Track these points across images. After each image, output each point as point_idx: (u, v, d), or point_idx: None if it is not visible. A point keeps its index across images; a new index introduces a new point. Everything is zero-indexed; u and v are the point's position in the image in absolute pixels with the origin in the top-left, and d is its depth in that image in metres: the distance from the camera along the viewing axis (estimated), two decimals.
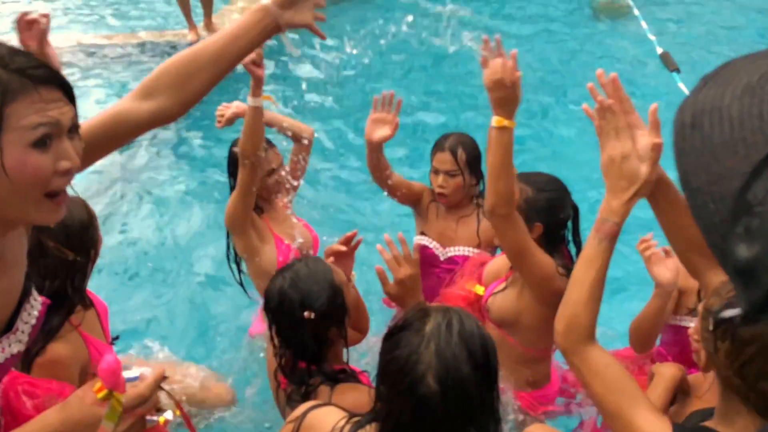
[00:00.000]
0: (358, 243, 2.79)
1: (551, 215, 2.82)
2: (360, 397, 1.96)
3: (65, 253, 2.33)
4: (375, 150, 3.42)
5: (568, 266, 2.83)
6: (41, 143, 1.36)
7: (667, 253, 2.67)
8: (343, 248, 2.71)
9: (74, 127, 1.45)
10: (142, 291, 4.68)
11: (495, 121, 2.61)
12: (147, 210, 5.59)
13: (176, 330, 4.28)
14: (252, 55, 3.25)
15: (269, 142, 3.51)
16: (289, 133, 3.57)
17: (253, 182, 3.32)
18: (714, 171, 0.78)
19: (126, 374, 1.52)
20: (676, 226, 1.98)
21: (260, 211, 3.59)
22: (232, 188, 3.48)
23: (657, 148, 1.81)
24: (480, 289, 3.35)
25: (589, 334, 1.83)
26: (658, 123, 1.86)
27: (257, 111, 3.30)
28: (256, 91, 3.29)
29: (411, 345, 1.62)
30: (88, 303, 2.57)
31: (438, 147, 3.48)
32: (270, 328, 2.40)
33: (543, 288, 2.83)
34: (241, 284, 3.72)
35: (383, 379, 1.70)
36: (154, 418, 1.55)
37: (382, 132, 3.35)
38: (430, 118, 7.10)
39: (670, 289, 2.75)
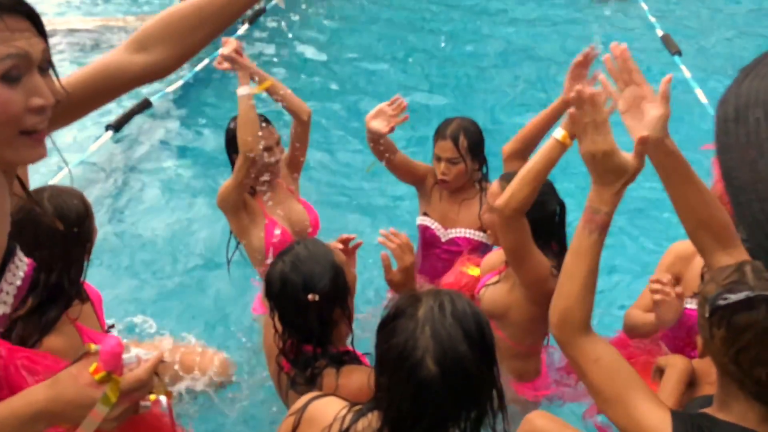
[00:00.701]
0: (357, 245, 2.74)
1: (535, 211, 2.78)
2: (365, 378, 1.92)
3: (58, 237, 2.28)
4: (370, 134, 3.42)
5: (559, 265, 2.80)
6: (9, 77, 1.25)
7: (679, 296, 2.59)
8: (340, 246, 2.67)
9: (46, 63, 1.33)
10: (140, 277, 4.64)
11: (560, 135, 2.51)
12: (147, 196, 5.50)
13: (174, 313, 4.23)
14: (232, 46, 3.30)
15: (266, 120, 3.44)
16: (285, 105, 3.53)
17: (247, 173, 3.31)
18: (760, 168, 0.75)
19: (125, 357, 1.42)
20: (687, 203, 1.94)
21: (253, 192, 3.53)
22: (232, 164, 3.48)
23: (643, 142, 1.75)
24: (475, 271, 3.35)
25: (583, 325, 1.80)
26: (668, 94, 1.82)
27: (247, 100, 3.28)
28: (244, 80, 3.30)
29: (406, 331, 1.61)
30: (84, 296, 2.54)
31: (439, 134, 3.43)
32: (272, 314, 2.35)
33: (535, 288, 2.82)
34: (228, 263, 3.69)
35: (382, 369, 1.68)
36: (147, 403, 1.46)
37: (378, 124, 3.33)
38: (431, 100, 7.08)
39: (669, 325, 2.72)
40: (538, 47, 8.42)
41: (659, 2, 9.83)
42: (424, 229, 3.63)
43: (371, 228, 5.00)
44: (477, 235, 3.50)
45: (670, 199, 1.95)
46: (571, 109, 1.73)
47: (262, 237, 3.50)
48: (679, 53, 7.64)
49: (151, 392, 1.45)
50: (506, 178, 2.85)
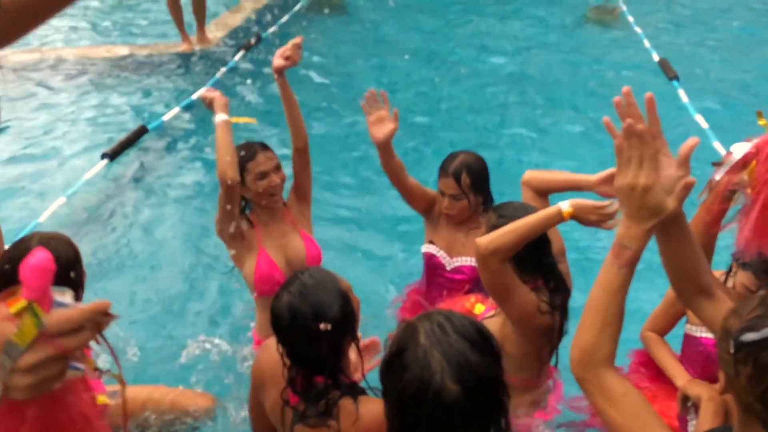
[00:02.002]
0: None
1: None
2: (382, 410, 1.84)
3: None
4: (384, 148, 3.38)
5: (551, 300, 2.82)
6: None
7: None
8: None
9: None
10: (135, 305, 4.56)
11: (566, 209, 2.59)
12: (143, 225, 5.41)
13: (166, 345, 4.15)
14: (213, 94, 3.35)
15: (263, 145, 3.41)
16: (288, 116, 3.50)
17: (229, 201, 3.25)
18: None
19: (57, 297, 1.06)
20: (678, 254, 1.89)
21: (249, 223, 3.46)
22: None
23: (688, 188, 1.69)
24: (480, 308, 3.31)
25: (607, 362, 1.74)
26: (688, 158, 1.73)
27: (224, 127, 3.26)
28: (220, 109, 3.31)
29: (417, 361, 1.59)
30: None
31: (443, 170, 3.44)
32: (279, 347, 2.27)
33: (522, 325, 2.82)
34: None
35: (402, 408, 1.63)
36: (80, 366, 1.09)
37: (385, 129, 3.34)
38: (427, 121, 7.09)
39: None
40: (532, 71, 8.44)
41: (652, 27, 9.87)
42: (430, 257, 3.62)
43: (372, 259, 4.96)
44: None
45: (660, 248, 1.89)
46: (618, 140, 1.68)
47: (253, 268, 3.44)
48: (677, 78, 7.62)
49: (87, 357, 1.11)
50: (495, 210, 2.90)
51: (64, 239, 2.38)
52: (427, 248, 3.64)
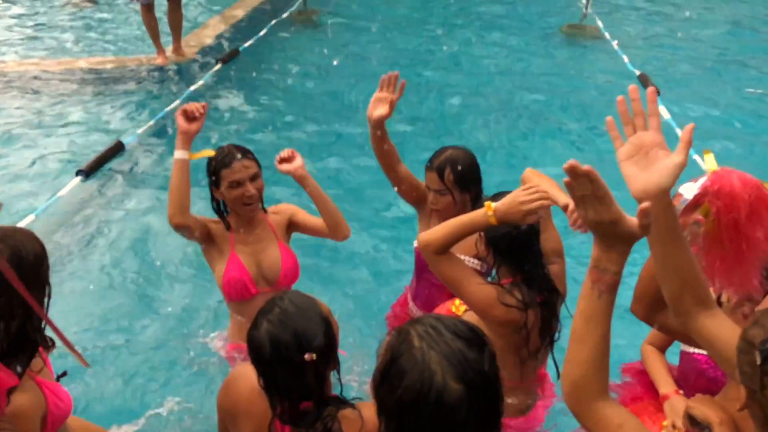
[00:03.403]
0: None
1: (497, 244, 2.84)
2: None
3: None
4: (375, 128, 3.36)
5: (524, 297, 2.80)
6: None
7: None
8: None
9: None
10: (109, 323, 4.44)
11: (490, 212, 2.60)
12: (118, 240, 5.27)
13: (140, 363, 4.06)
14: (193, 106, 3.19)
15: (243, 151, 3.26)
16: (320, 210, 3.39)
17: (183, 235, 3.30)
18: None
19: None
20: (673, 262, 1.80)
21: (228, 226, 3.37)
22: (212, 198, 3.35)
23: (645, 213, 1.56)
24: (463, 309, 3.25)
25: (600, 393, 1.65)
26: (689, 141, 1.66)
27: (179, 166, 3.20)
28: (181, 144, 3.20)
29: (416, 365, 1.51)
30: (50, 343, 2.34)
31: (428, 164, 3.38)
32: (260, 380, 2.12)
33: (484, 317, 2.79)
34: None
35: (403, 416, 1.53)
36: None
37: (380, 111, 3.32)
38: (409, 129, 7.07)
39: None
40: (512, 88, 8.44)
41: (630, 42, 9.94)
42: (419, 254, 3.55)
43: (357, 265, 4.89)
44: (472, 262, 3.38)
45: (655, 258, 1.82)
46: (566, 179, 1.57)
47: (222, 273, 3.35)
48: (657, 92, 7.61)
49: None
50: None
51: (29, 234, 2.25)
52: (416, 244, 3.57)
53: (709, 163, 1.99)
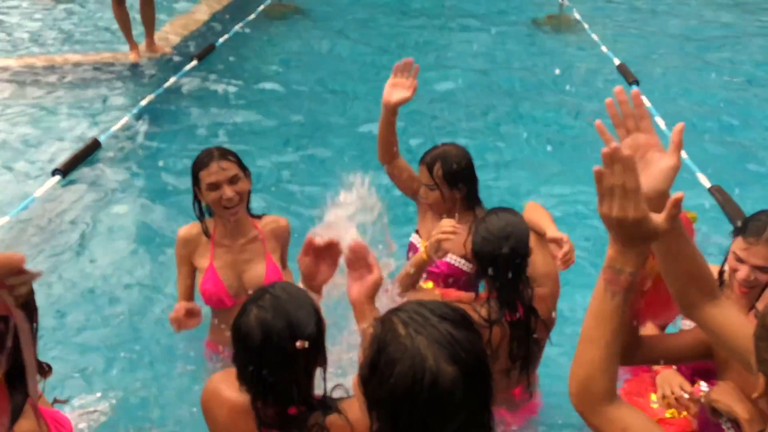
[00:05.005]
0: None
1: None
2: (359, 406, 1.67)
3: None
4: (391, 113, 3.38)
5: (490, 314, 2.82)
6: None
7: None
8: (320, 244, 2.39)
9: None
10: (86, 331, 4.33)
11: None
12: (95, 240, 5.13)
13: (121, 367, 3.96)
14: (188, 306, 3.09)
15: (222, 152, 3.15)
16: None
17: None
18: None
19: None
20: (678, 257, 1.78)
21: (206, 232, 3.26)
22: (194, 198, 3.22)
23: (678, 204, 1.55)
24: (429, 285, 3.37)
25: (609, 394, 1.62)
26: (680, 143, 1.65)
27: None
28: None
29: (405, 352, 1.46)
30: (46, 369, 2.25)
31: (421, 158, 3.42)
32: (243, 381, 2.03)
33: None
34: None
35: (396, 409, 1.48)
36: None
37: (400, 94, 3.32)
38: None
39: None
40: (493, 79, 8.40)
41: (609, 32, 9.96)
42: (411, 247, 3.58)
43: None
44: (458, 262, 3.39)
45: (659, 255, 1.80)
46: (597, 167, 1.52)
47: (200, 281, 3.27)
48: (637, 82, 7.64)
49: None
50: (485, 221, 2.89)
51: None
52: (412, 237, 3.63)
53: (689, 216, 2.06)
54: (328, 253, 2.45)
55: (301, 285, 2.38)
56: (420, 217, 3.63)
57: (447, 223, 3.03)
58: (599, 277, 1.61)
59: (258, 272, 3.25)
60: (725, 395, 2.31)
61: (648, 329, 2.91)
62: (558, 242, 2.99)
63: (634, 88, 1.65)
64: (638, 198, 1.49)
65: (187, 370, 3.69)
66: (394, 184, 3.65)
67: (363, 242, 2.40)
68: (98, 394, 3.65)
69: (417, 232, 3.60)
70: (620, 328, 1.60)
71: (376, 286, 2.31)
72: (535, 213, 3.20)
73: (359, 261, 2.33)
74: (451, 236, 2.98)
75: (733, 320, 1.78)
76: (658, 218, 1.53)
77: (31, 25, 10.15)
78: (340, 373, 2.47)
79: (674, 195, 1.56)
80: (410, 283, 3.10)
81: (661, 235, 1.55)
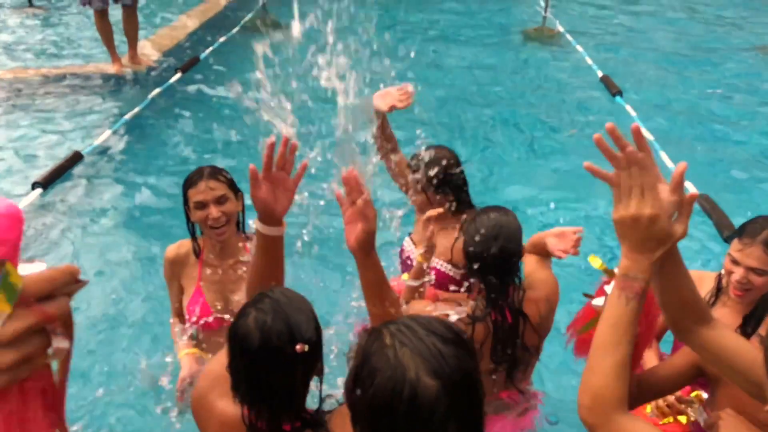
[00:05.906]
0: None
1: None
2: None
3: None
4: (380, 120, 3.41)
5: (475, 312, 2.80)
6: None
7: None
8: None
9: None
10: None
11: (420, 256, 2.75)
12: (79, 254, 5.14)
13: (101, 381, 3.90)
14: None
15: (213, 170, 3.08)
16: None
17: None
18: None
19: (27, 266, 0.82)
20: (673, 283, 1.78)
21: (195, 251, 3.20)
22: (186, 216, 3.14)
23: (692, 202, 1.59)
24: (405, 276, 3.29)
25: (621, 403, 1.60)
26: (682, 182, 1.61)
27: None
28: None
29: (387, 362, 1.42)
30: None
31: (408, 161, 3.41)
32: (239, 383, 1.93)
33: None
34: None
35: (376, 417, 1.43)
36: (64, 344, 0.84)
37: (380, 101, 3.35)
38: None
39: None
40: (478, 91, 8.40)
41: (593, 45, 10.01)
42: (402, 251, 3.57)
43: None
44: (445, 267, 3.34)
45: (655, 281, 1.77)
46: (614, 172, 1.56)
47: (187, 301, 3.19)
48: (620, 93, 7.66)
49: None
50: (476, 220, 2.84)
51: None
52: (405, 241, 3.61)
53: (596, 265, 2.04)
54: (279, 179, 2.31)
55: (258, 224, 2.26)
56: (417, 217, 3.58)
57: (431, 212, 2.98)
58: (612, 288, 1.63)
59: (245, 294, 3.19)
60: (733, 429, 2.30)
61: (649, 358, 2.93)
62: (562, 234, 2.97)
63: (635, 124, 1.58)
64: (655, 195, 1.54)
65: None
66: (393, 176, 3.63)
67: (355, 172, 2.22)
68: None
69: (410, 236, 3.56)
70: (634, 334, 1.60)
71: (368, 236, 2.12)
72: (535, 239, 3.18)
73: (353, 193, 2.16)
74: (434, 214, 2.93)
75: (731, 340, 1.78)
76: (674, 221, 1.57)
77: (14, 37, 10.08)
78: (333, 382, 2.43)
79: (689, 194, 1.59)
80: (412, 295, 3.05)
81: (678, 237, 1.58)
